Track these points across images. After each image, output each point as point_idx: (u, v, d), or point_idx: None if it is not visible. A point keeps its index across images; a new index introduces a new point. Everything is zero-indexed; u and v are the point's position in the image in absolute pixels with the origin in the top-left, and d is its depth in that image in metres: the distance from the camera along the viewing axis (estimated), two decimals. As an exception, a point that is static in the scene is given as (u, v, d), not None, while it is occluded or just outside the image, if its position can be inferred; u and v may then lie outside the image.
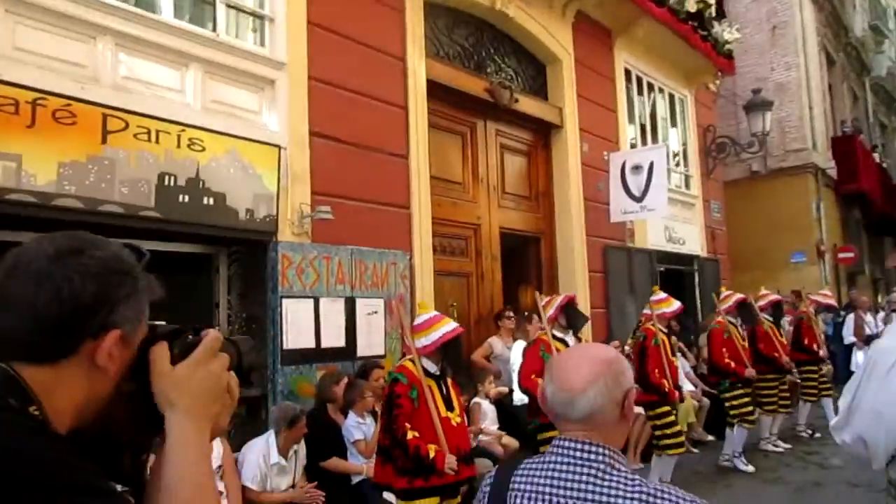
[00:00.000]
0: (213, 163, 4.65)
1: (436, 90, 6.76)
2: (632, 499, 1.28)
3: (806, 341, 8.51)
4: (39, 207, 3.84)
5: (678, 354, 8.63)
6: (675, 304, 6.21)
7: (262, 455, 4.19)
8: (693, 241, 10.81)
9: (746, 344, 7.10)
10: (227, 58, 4.96)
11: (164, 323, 1.07)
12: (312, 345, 5.16)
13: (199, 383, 1.00)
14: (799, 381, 9.18)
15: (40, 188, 3.84)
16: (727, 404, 7.04)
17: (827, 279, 13.56)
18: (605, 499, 1.30)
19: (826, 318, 10.95)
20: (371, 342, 5.56)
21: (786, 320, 9.30)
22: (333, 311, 5.33)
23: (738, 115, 12.79)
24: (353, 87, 5.80)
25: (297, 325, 5.05)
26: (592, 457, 1.35)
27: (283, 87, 5.27)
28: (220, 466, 4.06)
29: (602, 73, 9.19)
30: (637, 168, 8.50)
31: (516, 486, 1.41)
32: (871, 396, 1.78)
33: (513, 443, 5.88)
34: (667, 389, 5.76)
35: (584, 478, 1.33)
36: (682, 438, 5.89)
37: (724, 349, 6.86)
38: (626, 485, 1.31)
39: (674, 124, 11.02)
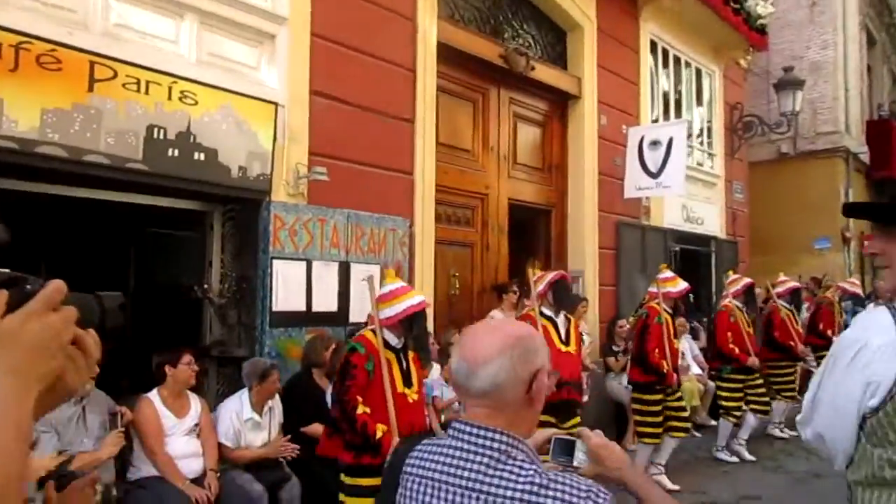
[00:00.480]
0: (205, 117, 4.53)
1: (447, 54, 6.56)
2: (522, 490, 1.17)
3: (821, 326, 8.29)
4: (21, 154, 3.76)
5: (688, 336, 8.47)
6: (682, 285, 6.03)
7: (234, 412, 4.16)
8: (712, 222, 10.52)
9: (751, 330, 6.90)
10: (225, 9, 4.80)
11: (7, 270, 0.96)
12: (303, 308, 5.07)
13: (29, 338, 0.87)
14: (813, 368, 8.96)
15: (22, 134, 3.75)
16: (717, 392, 6.91)
17: (851, 267, 13.18)
18: (493, 490, 1.20)
19: (847, 306, 10.67)
20: (364, 308, 5.40)
21: (805, 307, 9.06)
22: (326, 275, 5.23)
23: (770, 93, 12.32)
24: (358, 47, 5.63)
25: (287, 288, 4.96)
26: (488, 443, 1.24)
27: (284, 42, 5.12)
28: (196, 425, 4.04)
29: (626, 44, 8.87)
30: (655, 143, 8.22)
31: (409, 468, 1.33)
32: (831, 392, 1.61)
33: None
34: (665, 371, 5.61)
35: (476, 466, 1.23)
36: (661, 430, 5.77)
37: (728, 333, 6.67)
38: (517, 475, 1.20)
39: (699, 100, 10.66)
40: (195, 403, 4.10)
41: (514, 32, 7.59)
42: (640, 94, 9.06)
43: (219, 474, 3.95)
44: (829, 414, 1.63)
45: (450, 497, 1.23)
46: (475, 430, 1.26)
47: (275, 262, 4.91)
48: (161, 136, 4.33)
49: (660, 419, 5.78)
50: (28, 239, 5.98)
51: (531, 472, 1.19)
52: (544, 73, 7.73)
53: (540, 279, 5.08)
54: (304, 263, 5.09)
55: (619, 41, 8.73)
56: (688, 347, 8.30)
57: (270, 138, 4.90)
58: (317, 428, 4.53)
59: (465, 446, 1.26)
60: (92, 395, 3.67)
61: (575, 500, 1.14)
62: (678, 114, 9.95)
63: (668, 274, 6.12)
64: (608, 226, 8.37)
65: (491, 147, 7.36)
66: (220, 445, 4.07)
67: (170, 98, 4.37)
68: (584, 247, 8.08)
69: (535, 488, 1.16)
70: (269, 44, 5.08)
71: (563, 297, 5.08)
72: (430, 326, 5.25)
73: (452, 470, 1.25)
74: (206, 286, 4.96)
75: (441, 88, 6.56)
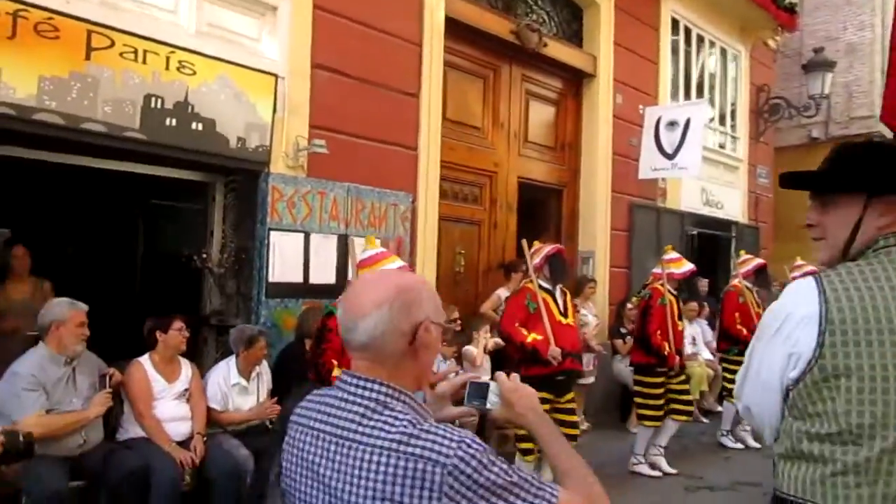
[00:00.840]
0: (203, 87, 4.57)
1: (457, 29, 6.50)
2: (391, 439, 1.18)
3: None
4: (18, 121, 3.84)
5: (702, 321, 8.36)
6: (687, 266, 5.94)
7: (221, 377, 4.25)
8: (733, 206, 10.31)
9: (761, 311, 6.76)
10: (227, -19, 4.84)
11: None
12: (300, 279, 5.12)
13: None
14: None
15: (20, 101, 3.84)
16: (723, 374, 6.81)
17: (880, 256, 12.80)
18: (364, 438, 1.20)
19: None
20: (363, 282, 5.48)
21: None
22: (325, 248, 5.26)
23: (802, 76, 11.99)
24: (362, 20, 5.61)
25: (284, 259, 5.01)
26: (366, 393, 1.25)
27: (286, 14, 5.13)
28: (186, 389, 4.12)
29: (645, 21, 8.69)
30: (672, 124, 8.06)
31: (294, 417, 1.36)
32: (757, 363, 1.58)
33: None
34: (666, 353, 5.55)
35: (351, 416, 1.24)
36: (662, 413, 5.70)
37: (736, 314, 6.56)
38: (390, 424, 1.20)
39: (724, 81, 10.41)
40: (186, 369, 4.18)
41: (528, 8, 7.48)
42: (658, 74, 8.88)
43: (206, 438, 4.03)
44: (755, 387, 1.60)
45: (324, 444, 1.25)
46: (354, 380, 1.27)
47: (272, 233, 4.96)
48: (158, 106, 4.38)
49: (661, 402, 5.72)
50: (44, 208, 6.14)
51: (404, 423, 1.19)
52: (558, 50, 7.62)
53: (536, 252, 5.07)
54: (301, 235, 5.13)
55: (638, 18, 8.55)
56: (700, 333, 8.19)
57: (270, 110, 4.92)
58: (307, 397, 4.60)
59: (345, 395, 1.27)
60: (83, 356, 3.77)
61: (445, 449, 1.14)
62: (700, 94, 9.73)
63: (674, 255, 6.02)
64: (621, 207, 8.26)
65: (501, 124, 7.30)
66: (208, 409, 4.15)
67: (167, 68, 4.42)
68: (595, 227, 8.00)
69: (405, 438, 1.16)
70: (270, 15, 5.09)
71: (559, 270, 5.05)
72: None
73: (329, 419, 1.27)
74: (205, 256, 5.03)
75: (450, 64, 6.52)
